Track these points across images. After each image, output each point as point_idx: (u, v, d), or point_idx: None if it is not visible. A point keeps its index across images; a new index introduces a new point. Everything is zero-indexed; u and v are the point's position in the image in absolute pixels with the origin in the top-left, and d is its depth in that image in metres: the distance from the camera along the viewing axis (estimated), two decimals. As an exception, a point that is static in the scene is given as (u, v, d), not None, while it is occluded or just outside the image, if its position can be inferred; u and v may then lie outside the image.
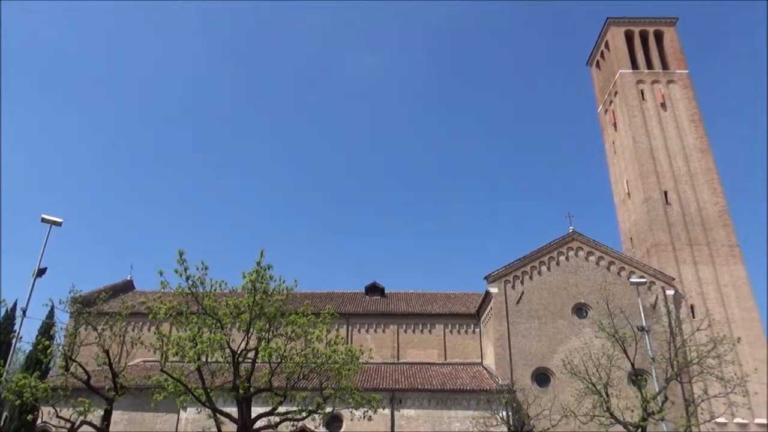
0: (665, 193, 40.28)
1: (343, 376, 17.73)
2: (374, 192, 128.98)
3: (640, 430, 21.35)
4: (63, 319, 29.68)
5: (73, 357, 18.83)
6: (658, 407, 21.56)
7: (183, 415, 30.48)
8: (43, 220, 20.67)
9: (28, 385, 16.43)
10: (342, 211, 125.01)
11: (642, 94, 44.54)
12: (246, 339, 16.88)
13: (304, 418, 18.16)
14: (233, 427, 17.20)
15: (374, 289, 42.61)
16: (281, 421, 17.71)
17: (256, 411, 17.55)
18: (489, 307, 36.30)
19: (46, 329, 26.70)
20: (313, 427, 27.72)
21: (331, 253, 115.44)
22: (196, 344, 15.58)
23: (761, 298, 63.70)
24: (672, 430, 25.93)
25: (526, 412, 29.80)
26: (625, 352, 23.08)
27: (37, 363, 25.36)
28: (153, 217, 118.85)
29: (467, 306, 40.43)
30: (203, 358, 16.33)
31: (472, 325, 39.14)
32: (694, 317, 34.42)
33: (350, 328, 38.67)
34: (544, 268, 36.43)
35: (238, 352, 16.78)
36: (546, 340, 34.04)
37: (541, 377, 33.31)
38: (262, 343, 16.53)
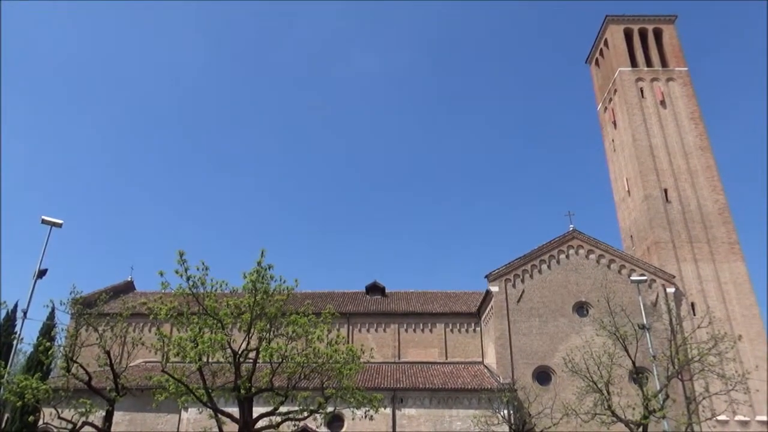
0: (665, 190, 40.26)
1: (344, 375, 17.69)
2: (374, 191, 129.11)
3: (641, 428, 21.34)
4: (64, 320, 29.75)
5: (74, 358, 18.82)
6: (659, 405, 21.55)
7: (184, 415, 30.51)
8: (44, 221, 20.60)
9: (29, 386, 16.43)
10: (342, 211, 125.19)
11: (641, 92, 44.52)
12: (247, 339, 16.89)
13: (305, 418, 18.15)
14: (235, 427, 17.21)
15: (375, 289, 42.63)
16: (283, 421, 17.70)
17: (257, 411, 17.57)
18: (490, 306, 36.29)
19: (47, 330, 26.77)
20: (314, 427, 27.79)
21: (331, 252, 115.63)
22: (197, 344, 15.58)
23: (762, 295, 63.66)
24: (673, 428, 25.90)
25: (527, 411, 29.85)
26: (626, 350, 23.09)
27: (38, 364, 25.34)
28: (153, 218, 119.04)
29: (468, 305, 40.43)
30: (204, 359, 16.33)
31: (473, 324, 39.15)
32: (694, 315, 34.42)
33: (351, 327, 38.70)
34: (544, 267, 36.42)
35: (239, 352, 16.79)
36: (547, 339, 34.04)
37: (542, 376, 33.32)
38: (263, 343, 16.52)
